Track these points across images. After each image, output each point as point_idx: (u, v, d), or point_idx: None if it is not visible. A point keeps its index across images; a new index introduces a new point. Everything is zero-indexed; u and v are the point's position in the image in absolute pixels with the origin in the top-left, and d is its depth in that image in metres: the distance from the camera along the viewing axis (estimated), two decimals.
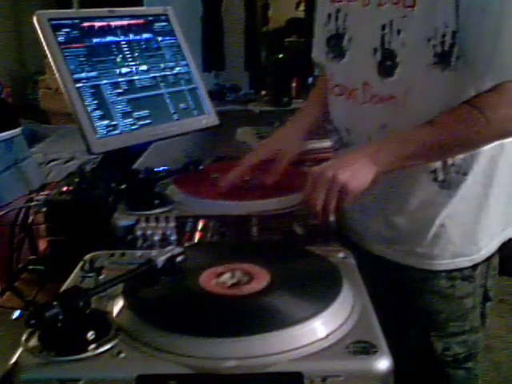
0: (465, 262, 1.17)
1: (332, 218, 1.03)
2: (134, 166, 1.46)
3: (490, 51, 1.00)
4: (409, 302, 1.20)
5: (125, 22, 1.43)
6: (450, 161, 1.11)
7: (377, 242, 1.21)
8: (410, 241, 1.18)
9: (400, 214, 1.17)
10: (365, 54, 1.12)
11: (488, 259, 1.20)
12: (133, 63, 1.40)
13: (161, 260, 0.82)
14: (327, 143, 1.37)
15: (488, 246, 1.19)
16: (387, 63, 1.09)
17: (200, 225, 1.09)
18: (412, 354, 1.20)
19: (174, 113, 1.44)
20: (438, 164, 1.11)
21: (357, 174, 1.00)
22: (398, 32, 1.07)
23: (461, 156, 1.10)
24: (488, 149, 1.11)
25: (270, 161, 1.26)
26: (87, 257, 0.93)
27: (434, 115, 1.04)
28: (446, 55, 1.03)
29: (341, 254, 0.95)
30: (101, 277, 0.86)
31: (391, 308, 1.07)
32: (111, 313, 0.77)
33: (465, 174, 1.12)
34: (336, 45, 1.20)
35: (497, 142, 1.10)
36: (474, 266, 1.18)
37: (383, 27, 1.08)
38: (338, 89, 1.21)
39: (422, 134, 1.05)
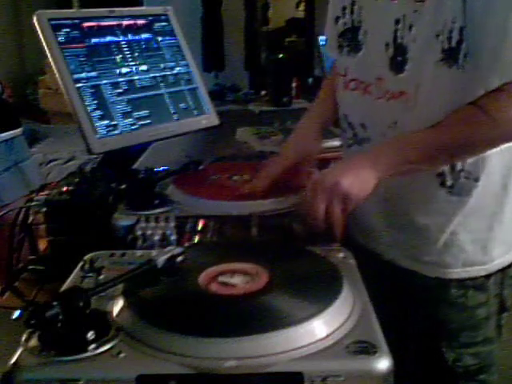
0: (477, 271, 1.14)
1: (338, 230, 1.01)
2: (134, 166, 1.46)
3: (495, 49, 0.98)
4: (419, 310, 1.17)
5: (125, 22, 1.43)
6: (458, 166, 1.08)
7: (386, 245, 1.19)
8: (421, 247, 1.15)
9: (409, 219, 1.14)
10: (378, 48, 1.11)
11: (503, 268, 1.16)
12: (133, 63, 1.40)
13: (161, 260, 0.82)
14: (330, 143, 1.37)
15: (503, 256, 1.16)
16: (398, 59, 1.08)
17: (200, 225, 1.09)
18: (422, 364, 1.17)
19: (174, 113, 1.44)
20: (445, 168, 1.09)
21: (358, 180, 0.99)
22: (410, 27, 1.05)
23: (470, 161, 1.08)
24: (502, 156, 1.09)
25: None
26: (87, 257, 0.93)
27: (444, 114, 1.03)
28: (453, 52, 1.01)
29: (341, 254, 0.95)
30: (101, 277, 0.86)
31: (401, 314, 1.06)
32: (111, 313, 0.77)
33: (476, 180, 1.09)
34: (351, 38, 1.17)
35: (510, 149, 1.09)
36: (488, 276, 1.15)
37: (397, 22, 1.06)
38: (354, 83, 1.18)
39: (425, 136, 1.03)
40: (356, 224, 1.23)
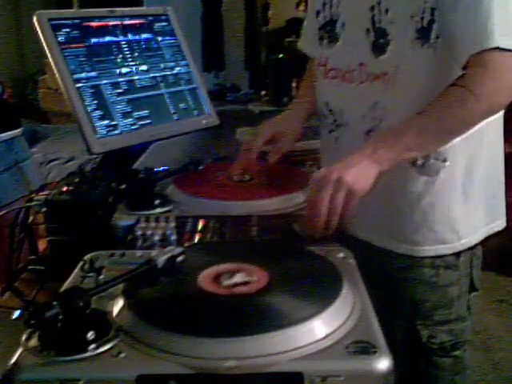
0: (446, 249, 1.20)
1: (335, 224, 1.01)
2: (134, 166, 1.46)
3: (462, 23, 1.04)
4: (395, 291, 1.23)
5: (125, 22, 1.43)
6: None
7: (361, 226, 1.22)
8: (393, 226, 1.21)
9: (381, 199, 1.16)
10: (358, 35, 1.18)
11: (471, 248, 1.22)
12: (133, 63, 1.40)
13: (161, 260, 0.82)
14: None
15: (470, 236, 1.22)
16: (380, 41, 1.15)
17: (200, 225, 1.09)
18: (400, 342, 1.22)
19: (174, 113, 1.44)
20: None
21: (361, 174, 1.01)
22: (387, 11, 1.13)
23: None
24: (466, 141, 1.14)
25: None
26: (87, 257, 0.93)
27: (421, 91, 1.10)
28: (426, 31, 1.09)
29: (341, 254, 0.95)
30: (101, 277, 0.86)
31: (378, 296, 1.07)
32: (111, 313, 0.77)
33: (444, 160, 1.15)
34: (330, 30, 1.25)
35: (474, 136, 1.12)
36: (457, 255, 1.21)
37: (372, 8, 1.15)
38: (334, 72, 1.25)
39: (416, 123, 1.07)
40: None
